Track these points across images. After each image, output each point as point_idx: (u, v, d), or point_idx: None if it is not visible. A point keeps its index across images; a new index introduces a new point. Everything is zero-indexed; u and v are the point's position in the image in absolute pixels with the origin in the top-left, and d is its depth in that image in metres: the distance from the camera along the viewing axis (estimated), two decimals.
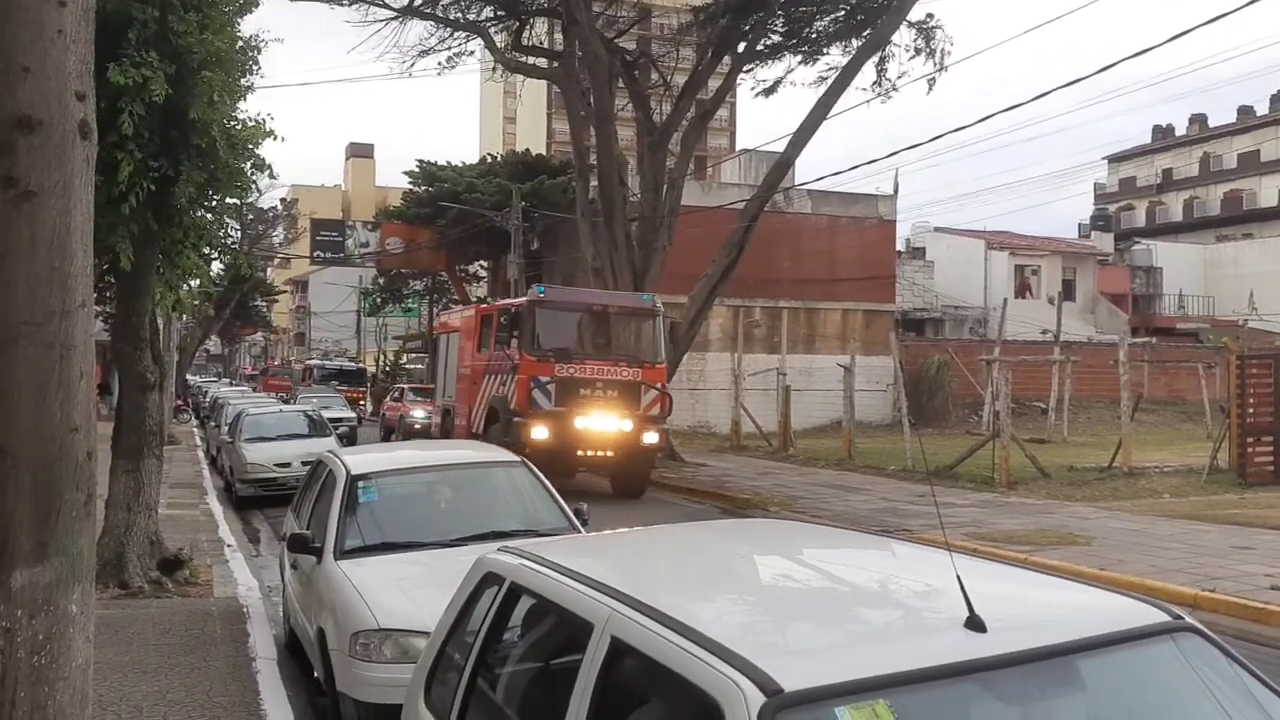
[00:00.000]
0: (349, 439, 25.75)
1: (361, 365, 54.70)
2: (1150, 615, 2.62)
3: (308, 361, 59.25)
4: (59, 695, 2.79)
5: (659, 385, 17.37)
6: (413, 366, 58.26)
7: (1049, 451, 20.86)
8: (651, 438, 17.01)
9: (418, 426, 28.68)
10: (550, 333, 17.09)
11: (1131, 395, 19.17)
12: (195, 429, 36.24)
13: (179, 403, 37.33)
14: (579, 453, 16.61)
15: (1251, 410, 16.95)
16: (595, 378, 16.83)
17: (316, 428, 19.72)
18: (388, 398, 38.01)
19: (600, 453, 16.73)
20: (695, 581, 3.25)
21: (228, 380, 66.64)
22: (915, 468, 19.46)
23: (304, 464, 13.90)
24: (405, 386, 37.66)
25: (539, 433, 16.17)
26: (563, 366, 16.74)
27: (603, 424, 16.60)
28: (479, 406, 18.95)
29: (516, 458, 7.93)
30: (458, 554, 5.49)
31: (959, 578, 2.46)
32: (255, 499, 17.35)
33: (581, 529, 6.77)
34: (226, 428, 21.56)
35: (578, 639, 2.78)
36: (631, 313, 18.05)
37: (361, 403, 44.57)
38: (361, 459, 7.77)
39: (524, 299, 17.67)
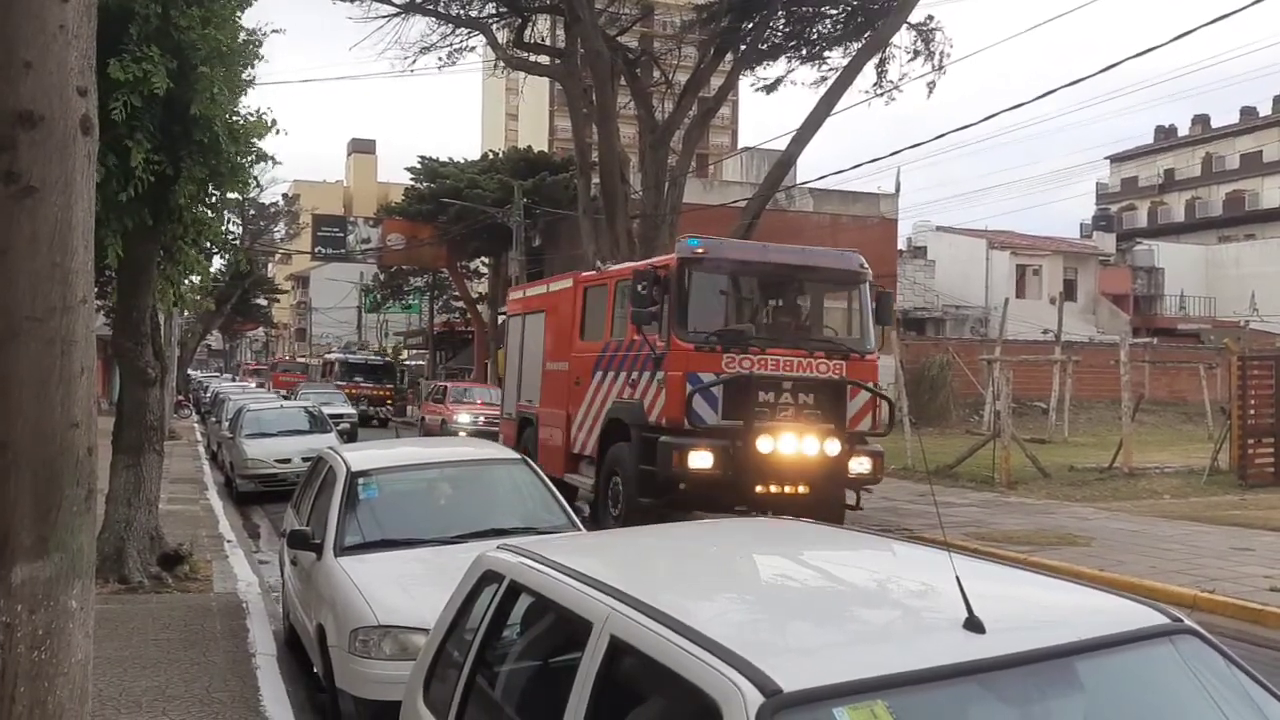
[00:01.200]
0: (350, 435, 25.65)
1: (388, 359, 49.46)
2: (1149, 617, 2.62)
3: (327, 355, 53.34)
4: (58, 690, 2.80)
5: (871, 385, 12.10)
6: (413, 363, 58.24)
7: (1049, 451, 20.87)
8: (862, 465, 11.71)
9: (463, 435, 24.52)
10: (712, 308, 11.98)
11: (1132, 396, 19.17)
12: (196, 424, 36.27)
13: (180, 398, 37.34)
14: (758, 488, 11.16)
15: (1252, 411, 16.97)
16: (782, 375, 11.46)
17: (317, 423, 19.74)
18: (427, 397, 33.86)
19: (790, 488, 11.26)
20: (695, 581, 3.25)
21: (228, 376, 66.18)
22: (915, 467, 19.46)
23: (304, 460, 13.93)
24: (448, 385, 33.03)
25: (701, 459, 10.99)
26: (733, 358, 11.38)
27: (797, 445, 11.17)
28: (588, 417, 13.42)
29: (516, 455, 7.91)
30: (457, 551, 5.51)
31: (958, 578, 2.47)
32: (255, 494, 17.38)
33: (581, 527, 6.79)
34: (227, 423, 21.58)
35: (577, 637, 2.78)
36: (830, 277, 12.72)
37: (390, 401, 40.88)
38: (362, 455, 7.78)
39: (672, 256, 11.97)
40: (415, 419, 39.24)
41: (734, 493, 11.31)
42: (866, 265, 12.72)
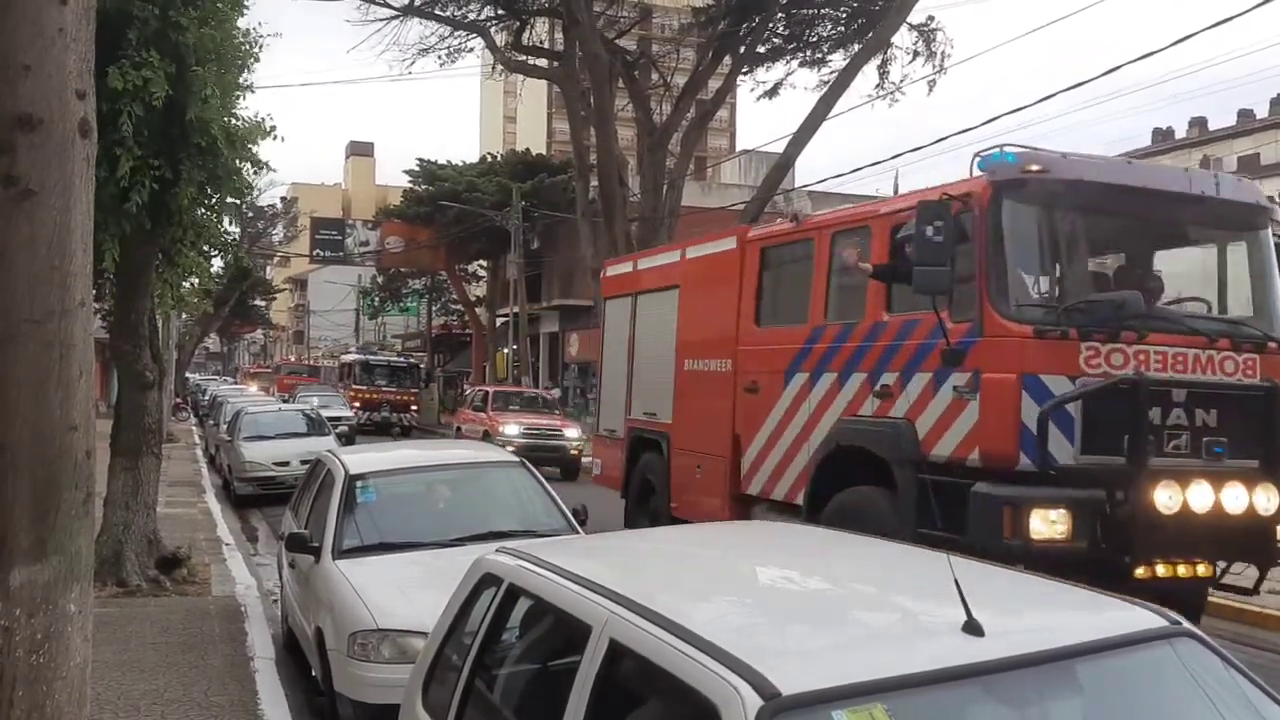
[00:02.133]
0: (348, 439, 25.57)
1: (413, 361, 44.53)
2: (1148, 620, 2.62)
3: (344, 357, 48.66)
4: (57, 694, 2.80)
5: None
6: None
7: None
8: None
9: (510, 449, 18.00)
10: (1040, 267, 7.43)
11: None
12: (194, 427, 36.24)
13: (178, 401, 37.27)
14: (1139, 570, 6.54)
15: None
16: (1176, 378, 6.85)
17: (315, 426, 19.73)
18: (466, 403, 28.71)
19: (1186, 569, 6.82)
20: (693, 584, 3.25)
21: (227, 379, 65.92)
22: None
23: (302, 463, 13.92)
24: (489, 390, 27.09)
25: (1051, 523, 6.45)
26: (1096, 350, 6.72)
27: (1213, 498, 6.60)
28: (781, 442, 8.83)
29: (515, 458, 7.89)
30: (456, 554, 5.49)
31: (956, 581, 2.46)
32: (253, 497, 17.37)
33: (580, 530, 6.78)
34: (225, 426, 21.57)
35: (576, 641, 2.78)
36: (1220, 218, 7.58)
37: (414, 407, 37.02)
38: (360, 459, 7.78)
39: (978, 179, 7.01)
40: (414, 422, 38.67)
41: (1101, 575, 5.93)
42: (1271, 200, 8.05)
